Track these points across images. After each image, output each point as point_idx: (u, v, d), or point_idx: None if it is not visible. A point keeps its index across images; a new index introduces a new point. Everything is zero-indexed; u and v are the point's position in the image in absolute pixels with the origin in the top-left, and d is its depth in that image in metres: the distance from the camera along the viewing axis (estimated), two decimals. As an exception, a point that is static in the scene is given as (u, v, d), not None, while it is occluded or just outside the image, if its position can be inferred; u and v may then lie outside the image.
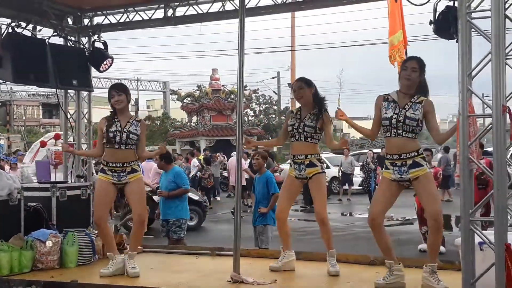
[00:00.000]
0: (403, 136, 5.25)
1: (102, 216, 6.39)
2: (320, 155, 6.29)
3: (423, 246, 10.86)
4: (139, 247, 6.78)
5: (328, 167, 23.67)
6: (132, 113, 6.64)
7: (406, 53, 10.82)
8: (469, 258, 4.37)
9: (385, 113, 5.35)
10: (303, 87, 6.21)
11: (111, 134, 6.23)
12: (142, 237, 6.50)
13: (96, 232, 7.27)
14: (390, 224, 14.71)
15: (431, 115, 5.30)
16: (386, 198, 5.44)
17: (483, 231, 4.53)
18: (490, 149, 5.56)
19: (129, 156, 6.31)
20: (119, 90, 6.37)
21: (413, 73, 5.29)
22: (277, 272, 6.17)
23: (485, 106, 4.53)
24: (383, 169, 5.51)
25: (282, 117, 42.74)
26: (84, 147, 9.25)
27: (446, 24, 6.07)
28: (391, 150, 5.34)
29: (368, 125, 5.93)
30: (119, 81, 44.14)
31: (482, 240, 4.42)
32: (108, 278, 6.07)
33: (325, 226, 6.17)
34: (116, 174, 6.28)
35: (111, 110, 6.46)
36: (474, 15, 4.51)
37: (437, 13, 6.21)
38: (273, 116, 47.62)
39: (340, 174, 22.80)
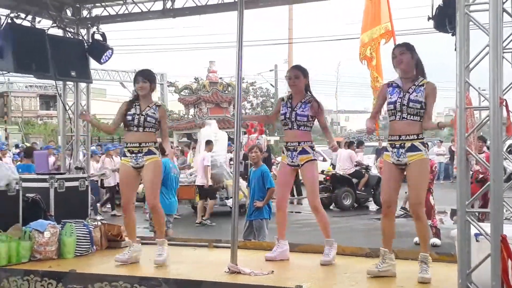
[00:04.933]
0: (407, 119, 5.30)
1: (129, 200, 6.47)
2: (313, 143, 6.30)
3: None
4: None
5: (324, 160, 23.84)
6: (155, 100, 6.77)
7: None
8: (465, 250, 4.42)
9: (390, 97, 5.42)
10: (299, 76, 6.26)
11: (129, 117, 6.35)
12: (163, 224, 6.54)
13: (94, 223, 7.31)
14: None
15: (429, 99, 5.31)
16: (392, 184, 5.48)
17: (479, 223, 4.57)
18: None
19: (146, 138, 6.34)
20: (144, 77, 6.43)
21: (403, 56, 5.38)
22: (273, 262, 6.23)
23: (482, 99, 4.57)
24: (384, 151, 5.57)
25: (280, 110, 42.58)
26: (82, 138, 9.28)
27: (443, 18, 6.10)
28: (394, 131, 5.38)
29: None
30: (117, 72, 43.96)
31: (478, 232, 4.46)
32: (106, 268, 6.10)
33: (318, 213, 6.24)
34: (134, 155, 6.32)
35: (135, 94, 6.59)
36: (472, 8, 4.54)
37: (434, 8, 6.24)
38: (270, 108, 47.58)
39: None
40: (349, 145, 18.41)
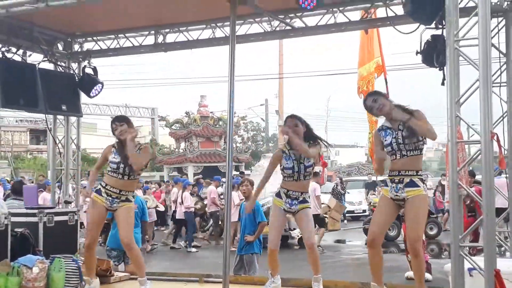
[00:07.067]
0: (408, 156, 5.30)
1: (95, 238, 6.48)
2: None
3: (409, 273, 10.89)
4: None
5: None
6: (138, 141, 6.67)
7: (386, 81, 11.03)
8: (459, 284, 4.39)
9: (385, 140, 5.41)
10: (298, 125, 6.15)
11: (114, 165, 6.29)
12: (140, 260, 6.40)
13: (83, 258, 7.20)
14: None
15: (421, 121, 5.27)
16: (385, 217, 5.49)
17: (472, 257, 4.55)
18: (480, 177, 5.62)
19: (128, 186, 6.33)
20: (119, 121, 6.38)
21: (376, 103, 5.41)
22: None
23: (471, 133, 4.61)
24: (383, 186, 5.56)
25: (270, 144, 42.70)
26: (72, 172, 9.22)
27: (431, 53, 6.19)
28: (394, 167, 5.39)
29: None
30: (108, 107, 44.05)
31: (471, 266, 4.44)
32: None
33: (312, 252, 6.20)
34: (110, 198, 6.29)
35: (118, 140, 6.40)
36: (461, 43, 4.59)
37: (423, 43, 6.33)
38: (261, 142, 47.77)
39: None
40: None
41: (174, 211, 17.10)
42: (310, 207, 6.31)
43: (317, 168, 19.36)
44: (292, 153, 6.15)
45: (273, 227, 6.40)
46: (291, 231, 16.12)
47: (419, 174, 5.30)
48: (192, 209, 16.33)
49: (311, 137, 6.24)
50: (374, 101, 5.43)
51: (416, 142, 5.26)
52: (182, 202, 16.36)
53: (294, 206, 6.20)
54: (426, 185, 5.32)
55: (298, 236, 16.16)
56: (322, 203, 16.21)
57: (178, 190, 17.18)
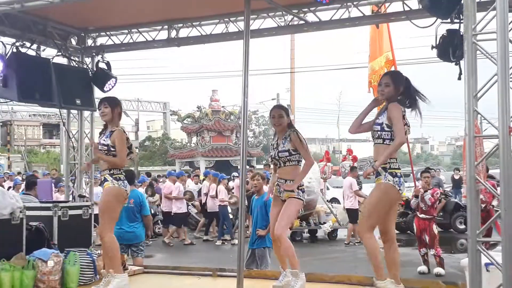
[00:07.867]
0: (376, 144, 5.39)
1: (104, 227, 6.19)
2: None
3: (422, 268, 10.89)
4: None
5: (327, 188, 23.80)
6: (121, 125, 6.57)
7: None
8: (477, 279, 4.35)
9: None
10: (283, 116, 6.24)
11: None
12: (114, 256, 6.10)
13: (97, 252, 7.23)
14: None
15: (393, 119, 5.26)
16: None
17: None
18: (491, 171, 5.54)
19: (103, 166, 6.24)
20: (106, 102, 6.33)
21: (386, 88, 5.44)
22: None
23: (484, 127, 4.59)
24: None
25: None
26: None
27: (446, 47, 6.13)
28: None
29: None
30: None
31: (488, 261, 4.41)
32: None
33: (281, 244, 6.03)
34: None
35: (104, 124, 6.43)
36: (478, 37, 4.55)
37: (438, 37, 6.28)
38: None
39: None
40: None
41: (205, 203, 17.20)
42: (296, 197, 6.06)
43: (347, 163, 19.32)
44: (276, 143, 6.24)
45: (272, 216, 6.31)
46: (321, 225, 16.24)
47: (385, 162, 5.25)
48: (226, 203, 16.39)
49: (290, 127, 6.28)
50: (386, 85, 5.44)
51: (380, 131, 5.32)
52: (216, 196, 16.52)
53: (282, 194, 6.13)
54: (390, 173, 5.19)
55: (328, 230, 16.25)
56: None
57: (209, 183, 17.23)
